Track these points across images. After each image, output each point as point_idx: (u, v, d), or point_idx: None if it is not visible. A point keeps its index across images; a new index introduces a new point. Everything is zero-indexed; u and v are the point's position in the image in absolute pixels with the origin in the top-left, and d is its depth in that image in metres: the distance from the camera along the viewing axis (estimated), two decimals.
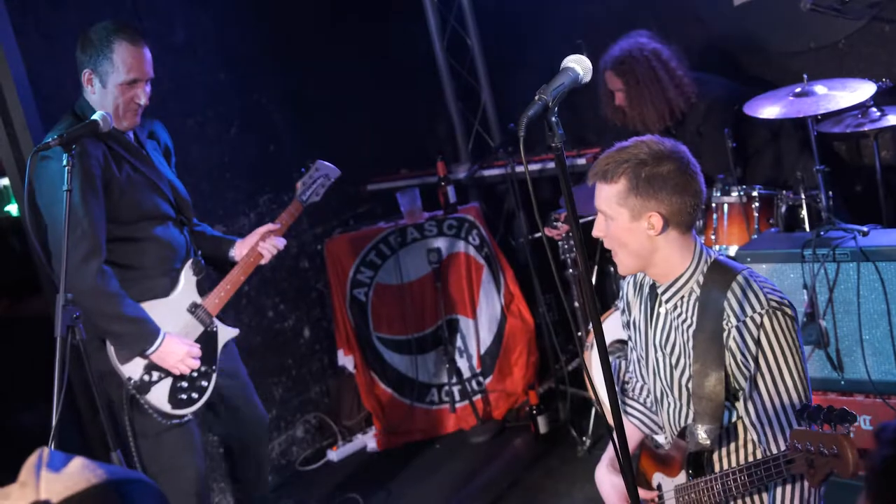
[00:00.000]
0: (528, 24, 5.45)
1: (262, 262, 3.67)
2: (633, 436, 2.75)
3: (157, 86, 3.42)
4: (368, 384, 5.16)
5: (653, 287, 2.56)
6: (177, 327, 3.42)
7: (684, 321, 2.47)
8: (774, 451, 2.31)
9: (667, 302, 2.51)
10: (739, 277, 2.39)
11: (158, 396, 3.35)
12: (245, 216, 4.96)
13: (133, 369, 3.33)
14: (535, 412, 4.81)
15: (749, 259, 3.66)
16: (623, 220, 2.41)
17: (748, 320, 2.34)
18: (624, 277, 2.72)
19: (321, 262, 5.25)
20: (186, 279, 3.49)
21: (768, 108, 3.87)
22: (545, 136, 1.93)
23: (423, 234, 5.14)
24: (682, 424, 2.53)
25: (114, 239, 3.29)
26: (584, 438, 4.61)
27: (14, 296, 4.52)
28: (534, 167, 5.14)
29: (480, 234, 5.16)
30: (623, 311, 2.74)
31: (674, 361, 2.51)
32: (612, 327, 3.88)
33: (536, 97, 1.90)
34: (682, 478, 2.51)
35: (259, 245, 3.65)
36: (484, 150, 5.75)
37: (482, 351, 5.20)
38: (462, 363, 5.16)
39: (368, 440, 5.19)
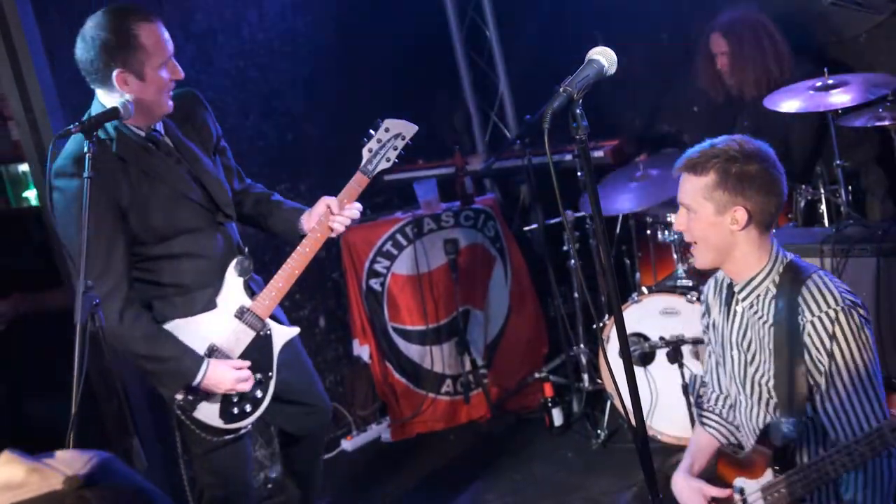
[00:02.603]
0: (546, 16, 5.43)
1: (332, 235, 3.20)
2: (709, 446, 2.77)
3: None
4: (383, 374, 5.17)
5: (730, 286, 2.60)
6: (225, 338, 3.11)
7: (760, 318, 2.50)
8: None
9: (743, 300, 2.55)
10: (815, 276, 2.44)
11: (208, 412, 3.09)
12: None
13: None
14: (549, 404, 4.80)
15: None
16: (707, 214, 2.46)
17: (823, 315, 2.37)
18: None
19: (337, 252, 5.25)
20: (231, 282, 3.16)
21: (788, 102, 3.86)
22: (560, 129, 1.90)
23: (440, 224, 5.13)
24: (757, 424, 2.55)
25: (147, 258, 3.07)
26: (598, 431, 4.61)
27: (33, 286, 4.42)
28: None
29: (496, 225, 5.16)
30: (703, 314, 2.77)
31: (749, 358, 2.55)
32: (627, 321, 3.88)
33: (560, 89, 1.89)
34: (768, 476, 2.48)
35: (330, 219, 3.17)
36: (501, 141, 5.75)
37: (488, 342, 5.21)
38: (476, 354, 5.17)
39: (382, 430, 5.20)
